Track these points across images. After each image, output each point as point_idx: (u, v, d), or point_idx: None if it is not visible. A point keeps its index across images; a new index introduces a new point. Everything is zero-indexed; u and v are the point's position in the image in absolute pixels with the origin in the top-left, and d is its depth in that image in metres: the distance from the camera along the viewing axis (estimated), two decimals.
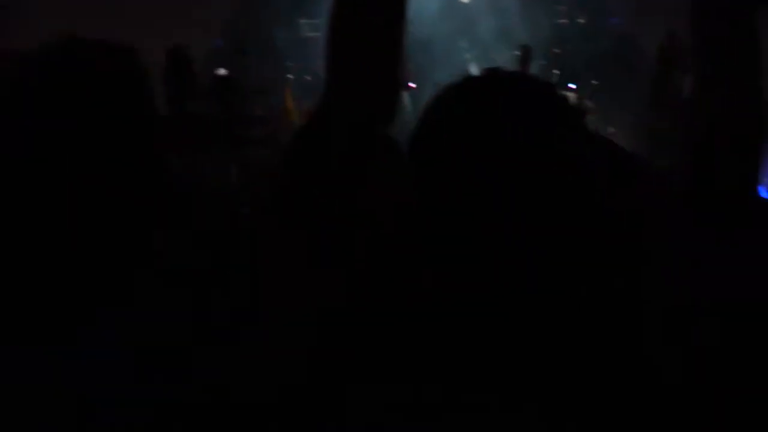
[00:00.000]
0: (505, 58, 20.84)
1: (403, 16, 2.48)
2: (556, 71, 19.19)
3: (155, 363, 1.57)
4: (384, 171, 1.90)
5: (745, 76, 6.57)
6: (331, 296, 1.67)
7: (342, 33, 2.19)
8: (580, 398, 1.37)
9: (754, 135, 6.54)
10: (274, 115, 15.24)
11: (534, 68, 19.66)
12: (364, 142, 1.95)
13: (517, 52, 21.15)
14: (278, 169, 2.11)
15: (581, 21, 24.36)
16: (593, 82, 18.89)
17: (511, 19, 21.34)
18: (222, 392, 1.62)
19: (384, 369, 1.46)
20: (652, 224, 2.72)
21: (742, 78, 6.61)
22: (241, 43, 19.87)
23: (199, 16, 19.41)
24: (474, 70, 18.52)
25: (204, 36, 19.12)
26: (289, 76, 18.67)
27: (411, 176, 1.88)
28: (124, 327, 1.52)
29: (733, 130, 6.33)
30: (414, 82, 17.63)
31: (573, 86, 17.95)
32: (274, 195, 2.06)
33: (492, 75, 1.47)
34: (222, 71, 14.33)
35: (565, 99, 1.38)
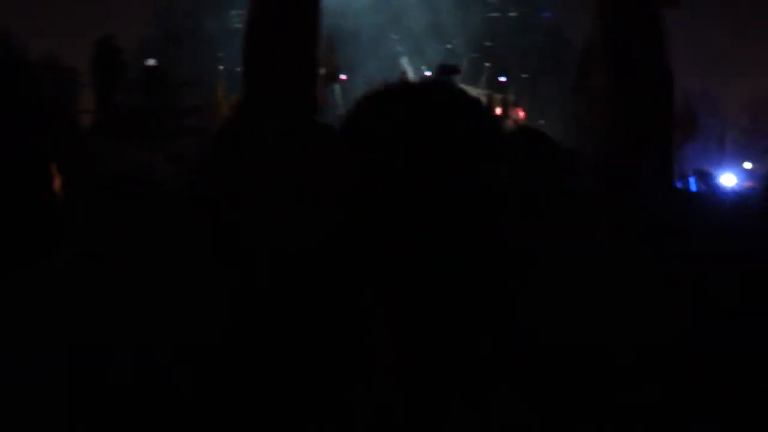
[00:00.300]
0: (436, 51, 20.88)
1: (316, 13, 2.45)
2: (487, 64, 19.29)
3: None
4: (319, 155, 1.90)
5: (653, 69, 6.65)
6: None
7: (256, 32, 2.15)
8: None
9: (666, 125, 6.60)
10: (206, 106, 15.11)
11: (466, 61, 19.73)
12: (289, 131, 1.93)
13: (449, 46, 21.27)
14: (207, 161, 2.07)
15: (513, 15, 24.53)
16: (523, 75, 19.04)
17: (442, 13, 21.39)
18: None
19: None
20: (577, 208, 2.72)
21: (650, 71, 6.68)
22: (173, 33, 19.61)
23: (132, 6, 19.14)
24: (405, 62, 18.54)
25: (137, 26, 18.88)
26: (221, 67, 18.47)
27: (347, 159, 1.88)
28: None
29: (646, 121, 6.39)
30: (344, 74, 17.60)
31: (503, 79, 18.06)
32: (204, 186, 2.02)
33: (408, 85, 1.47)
34: (152, 62, 14.13)
35: (482, 109, 1.37)
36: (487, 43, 21.61)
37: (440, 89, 1.28)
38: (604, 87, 6.70)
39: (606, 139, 5.95)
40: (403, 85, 1.50)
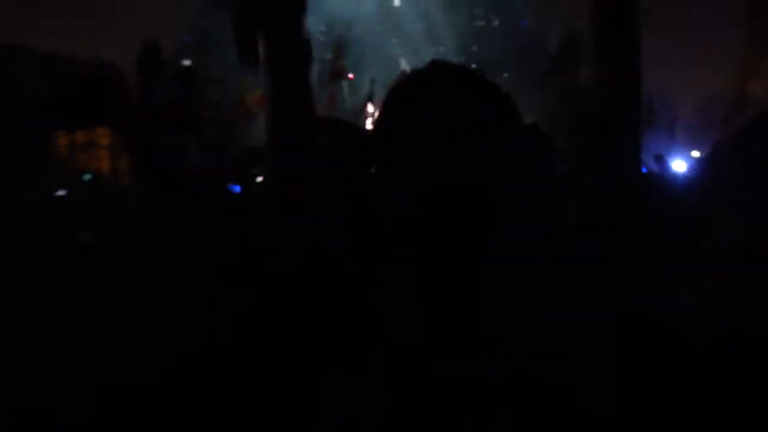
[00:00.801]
0: (430, 54, 20.90)
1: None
2: (473, 65, 19.26)
3: None
4: (336, 143, 1.89)
5: (630, 68, 6.68)
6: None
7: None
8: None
9: (636, 116, 6.64)
10: (228, 101, 15.23)
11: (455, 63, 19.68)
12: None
13: (442, 48, 21.26)
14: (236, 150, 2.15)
15: (496, 23, 24.51)
16: (504, 74, 19.00)
17: (435, 21, 21.36)
18: None
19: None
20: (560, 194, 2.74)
21: (627, 70, 6.71)
22: (204, 38, 19.72)
23: (171, 14, 19.24)
24: (404, 64, 18.57)
25: (176, 32, 18.95)
26: None
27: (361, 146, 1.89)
28: None
29: (621, 113, 6.42)
30: (352, 73, 17.67)
31: None
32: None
33: (437, 67, 1.43)
34: (187, 62, 14.19)
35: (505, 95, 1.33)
36: (474, 48, 21.64)
37: (476, 80, 1.22)
38: (592, 80, 6.77)
39: (586, 125, 6.00)
40: (444, 71, 1.42)
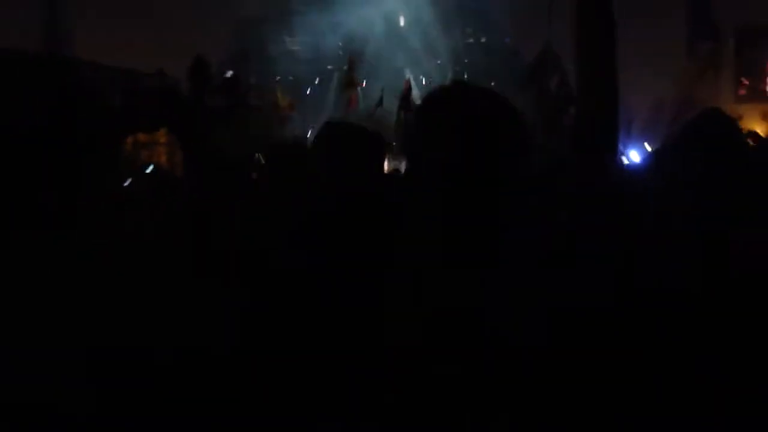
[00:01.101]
0: (430, 66, 20.89)
1: None
2: (465, 76, 19.27)
3: None
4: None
5: (608, 74, 6.63)
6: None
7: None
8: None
9: (613, 116, 6.58)
10: (266, 105, 15.27)
11: (451, 73, 19.84)
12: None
13: (439, 61, 21.22)
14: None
15: (483, 40, 24.38)
16: (492, 83, 18.87)
17: (433, 39, 21.26)
18: None
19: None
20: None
21: (605, 76, 6.65)
22: (244, 52, 19.73)
23: (218, 31, 19.27)
24: (407, 73, 18.54)
25: (220, 46, 18.99)
26: (278, 77, 18.56)
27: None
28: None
29: (599, 113, 6.37)
30: (364, 82, 17.65)
31: None
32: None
33: (459, 85, 1.37)
34: (230, 73, 14.17)
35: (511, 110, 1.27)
36: (465, 60, 21.65)
37: (491, 97, 1.17)
38: (577, 85, 6.82)
39: (575, 121, 5.98)
40: (461, 90, 1.36)
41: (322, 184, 1.75)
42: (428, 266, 1.16)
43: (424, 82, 19.01)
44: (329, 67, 20.35)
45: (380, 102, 15.59)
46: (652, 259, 1.48)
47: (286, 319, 1.38)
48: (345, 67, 17.63)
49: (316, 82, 20.81)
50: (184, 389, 1.15)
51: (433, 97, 1.23)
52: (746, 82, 19.37)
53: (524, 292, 1.12)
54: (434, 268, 1.15)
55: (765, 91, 19.08)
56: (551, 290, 1.14)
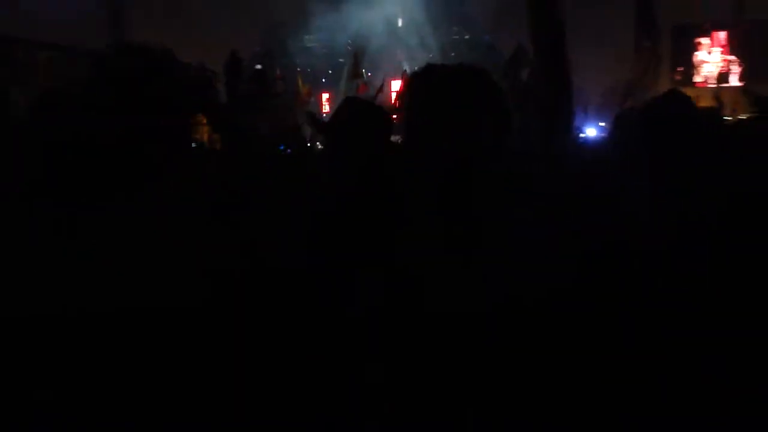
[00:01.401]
0: (423, 60, 20.68)
1: None
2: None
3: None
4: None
5: (560, 65, 6.55)
6: None
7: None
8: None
9: (567, 103, 6.51)
10: (288, 93, 15.28)
11: None
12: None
13: (431, 54, 21.06)
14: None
15: (466, 37, 24.06)
16: None
17: (426, 36, 21.02)
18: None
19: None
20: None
21: (558, 67, 6.58)
22: (270, 49, 19.65)
23: (249, 32, 19.16)
24: (405, 66, 18.34)
25: (251, 45, 18.89)
26: (298, 69, 18.48)
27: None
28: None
29: (556, 102, 6.31)
30: (370, 73, 17.61)
31: None
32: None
33: (431, 67, 1.32)
34: (259, 66, 14.11)
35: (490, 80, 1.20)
36: (452, 54, 21.39)
37: (474, 72, 1.11)
38: (535, 77, 6.79)
39: (534, 108, 6.00)
40: (447, 67, 1.31)
41: (324, 183, 1.67)
42: (428, 262, 1.05)
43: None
44: (340, 60, 20.20)
45: (381, 88, 15.49)
46: (608, 219, 1.44)
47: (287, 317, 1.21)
48: (351, 61, 17.51)
49: (330, 73, 20.93)
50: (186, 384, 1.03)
51: (419, 77, 1.18)
52: (680, 70, 20.19)
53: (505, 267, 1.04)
54: (434, 265, 1.04)
55: (692, 77, 19.97)
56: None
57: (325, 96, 20.02)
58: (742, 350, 1.18)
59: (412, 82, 1.21)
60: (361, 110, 1.85)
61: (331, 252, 1.24)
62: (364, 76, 17.10)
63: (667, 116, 1.60)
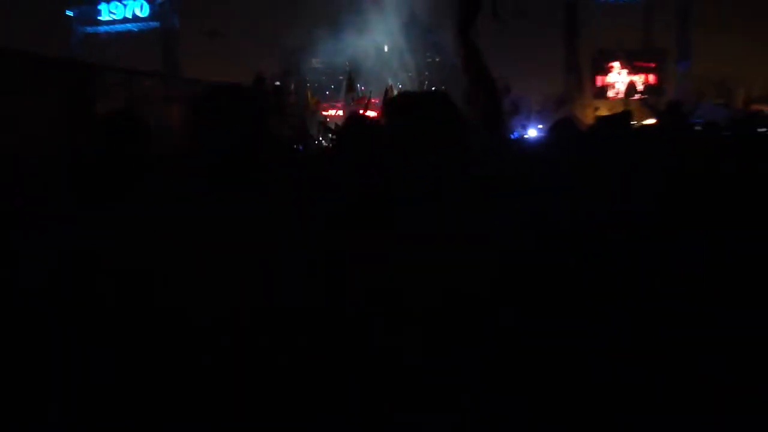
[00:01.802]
0: (404, 77, 20.68)
1: None
2: (426, 84, 19.16)
3: None
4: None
5: (487, 80, 6.57)
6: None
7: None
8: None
9: (497, 105, 6.50)
10: (299, 103, 15.21)
11: (418, 83, 19.64)
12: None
13: (410, 74, 20.93)
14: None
15: (437, 60, 23.92)
16: (443, 87, 18.53)
17: (406, 59, 20.94)
18: None
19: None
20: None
21: (487, 82, 6.58)
22: (286, 69, 19.46)
23: (268, 57, 18.90)
24: (389, 81, 18.26)
25: (272, 67, 18.67)
26: (308, 84, 18.35)
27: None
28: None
29: (487, 107, 6.29)
30: (363, 87, 17.57)
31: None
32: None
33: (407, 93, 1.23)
34: (277, 83, 13.96)
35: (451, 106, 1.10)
36: (426, 73, 21.33)
37: (440, 99, 1.05)
38: (470, 91, 6.88)
39: (474, 115, 6.01)
40: (418, 94, 1.27)
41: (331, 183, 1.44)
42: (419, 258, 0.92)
43: (400, 87, 18.76)
44: (340, 77, 20.05)
45: (369, 103, 15.54)
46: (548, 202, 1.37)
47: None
48: (347, 79, 17.43)
49: (332, 87, 21.21)
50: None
51: (397, 100, 1.12)
52: (598, 85, 21.61)
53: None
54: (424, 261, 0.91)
55: (607, 92, 21.50)
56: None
57: (325, 105, 19.91)
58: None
59: (389, 105, 1.17)
60: (357, 122, 1.86)
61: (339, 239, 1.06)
62: (359, 90, 17.08)
63: (562, 131, 1.70)
